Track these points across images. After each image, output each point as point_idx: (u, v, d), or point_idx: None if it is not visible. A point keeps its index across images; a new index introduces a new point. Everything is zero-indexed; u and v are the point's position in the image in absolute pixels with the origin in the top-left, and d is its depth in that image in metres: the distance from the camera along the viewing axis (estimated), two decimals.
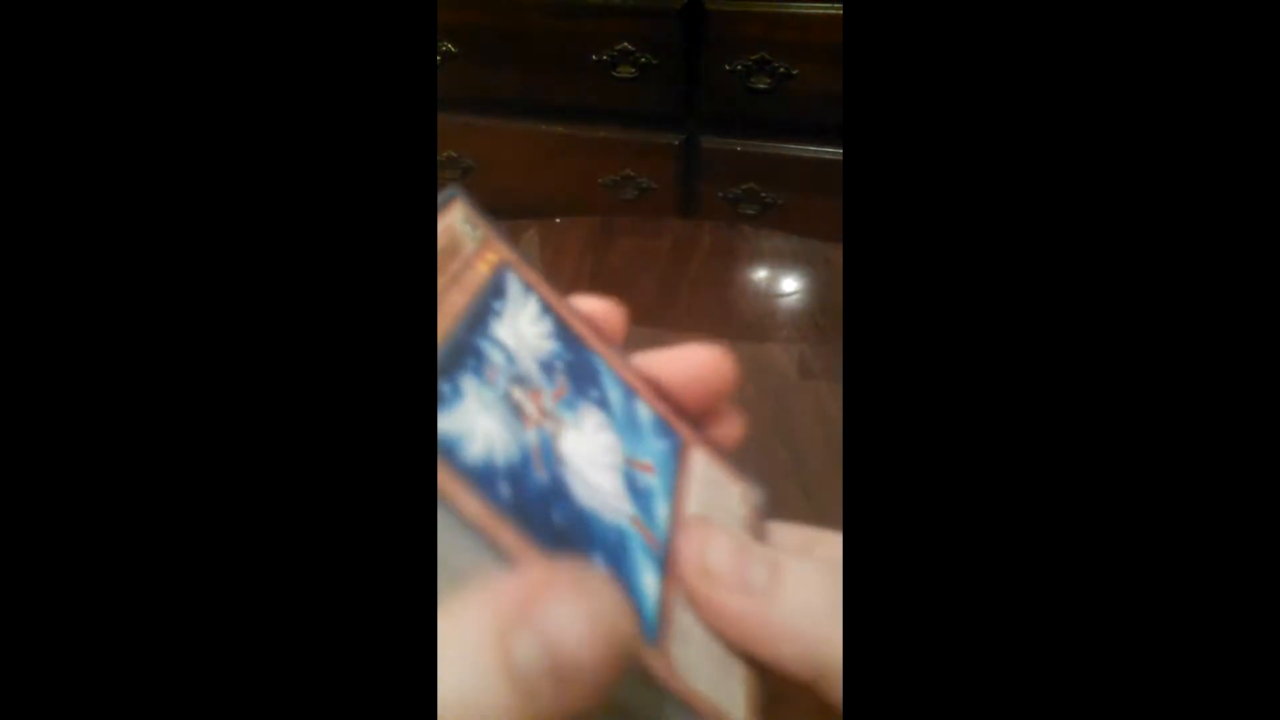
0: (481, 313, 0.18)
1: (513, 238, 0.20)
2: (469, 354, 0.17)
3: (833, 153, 0.92)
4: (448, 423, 0.16)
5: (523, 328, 0.19)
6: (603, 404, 0.19)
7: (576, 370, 0.19)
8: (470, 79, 0.99)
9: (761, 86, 0.88)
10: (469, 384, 0.16)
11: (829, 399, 0.40)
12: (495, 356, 0.17)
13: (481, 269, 0.19)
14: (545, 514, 0.15)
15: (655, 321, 0.47)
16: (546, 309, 0.20)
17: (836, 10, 0.82)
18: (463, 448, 0.15)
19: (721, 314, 0.49)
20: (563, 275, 0.53)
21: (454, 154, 1.06)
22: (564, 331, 0.20)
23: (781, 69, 0.87)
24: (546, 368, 0.18)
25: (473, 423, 0.16)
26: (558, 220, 0.59)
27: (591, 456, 0.18)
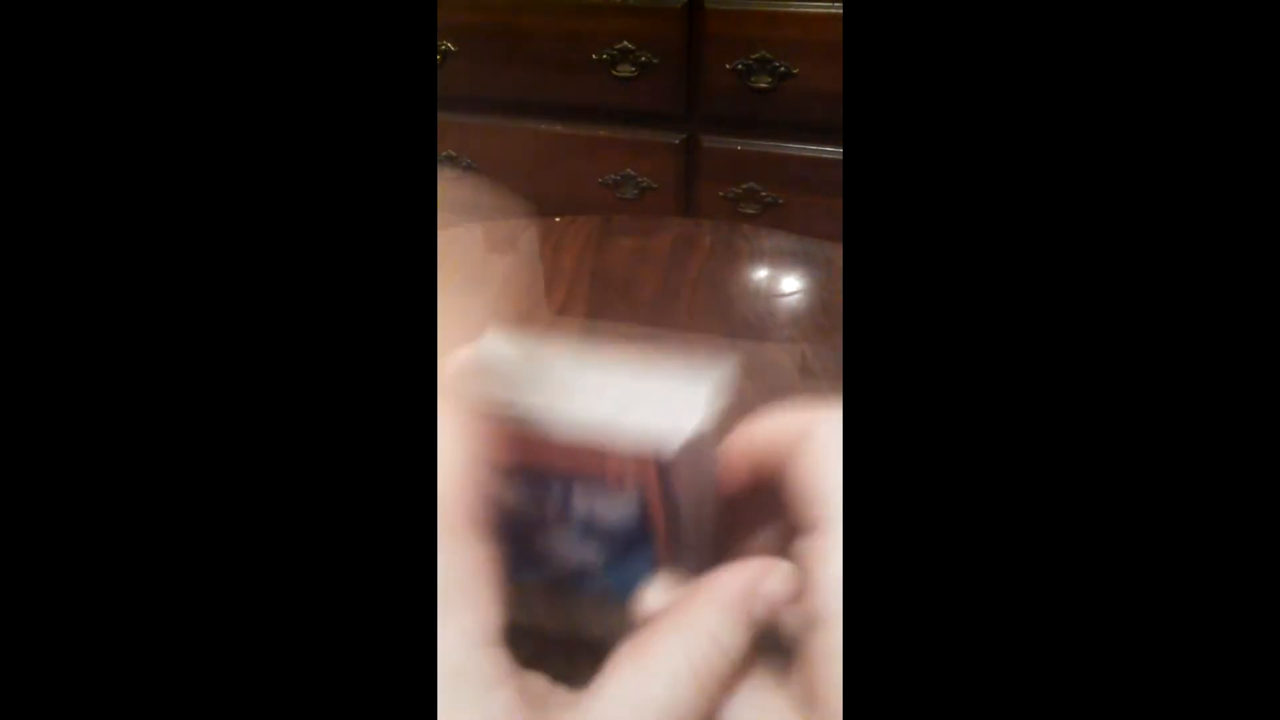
0: None
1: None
2: None
3: (832, 152, 0.92)
4: None
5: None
6: None
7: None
8: (470, 78, 0.99)
9: (762, 85, 0.88)
10: None
11: (829, 398, 0.40)
12: None
13: None
14: None
15: (655, 321, 0.47)
16: None
17: (836, 9, 0.82)
18: None
19: (721, 313, 0.49)
20: (563, 274, 0.53)
21: (453, 153, 1.06)
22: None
23: (782, 68, 0.87)
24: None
25: None
26: (557, 219, 0.59)
27: None
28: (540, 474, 0.19)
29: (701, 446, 0.18)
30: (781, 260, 0.55)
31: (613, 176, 1.01)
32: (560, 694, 0.17)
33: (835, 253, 0.55)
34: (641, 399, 0.18)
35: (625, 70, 0.91)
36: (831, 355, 0.44)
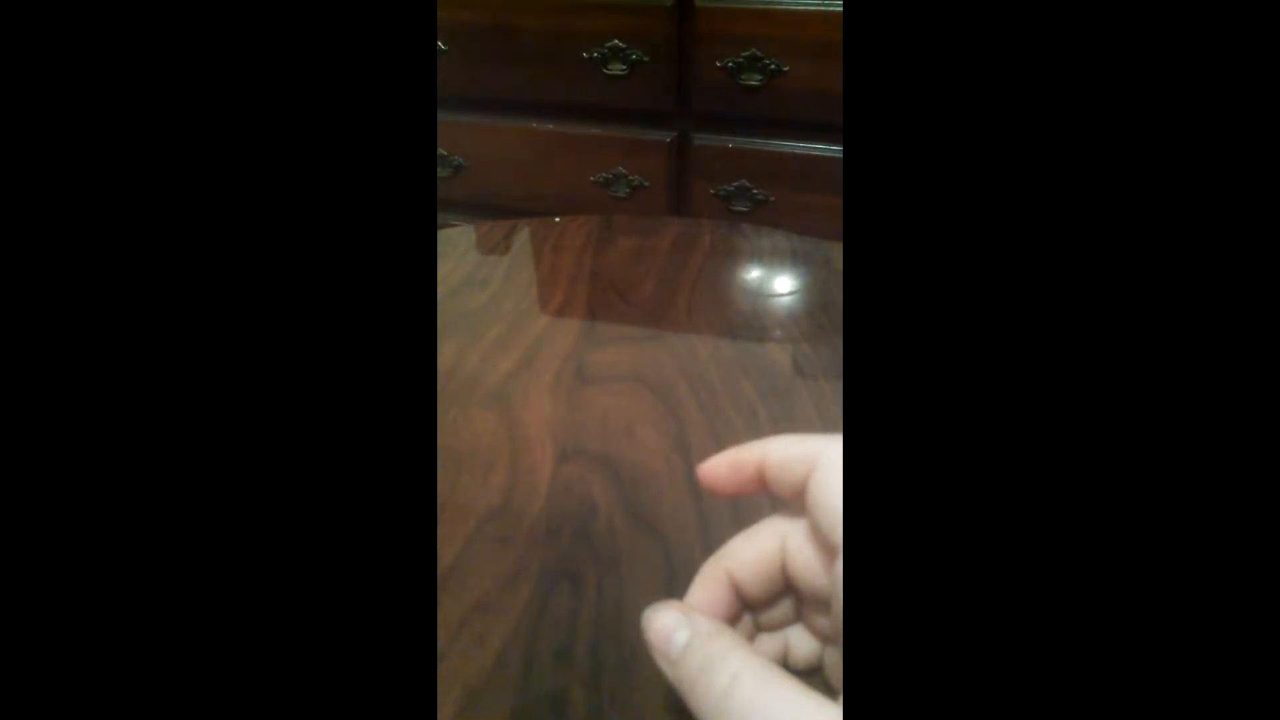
0: None
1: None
2: None
3: (824, 149, 0.92)
4: None
5: None
6: None
7: None
8: (461, 77, 0.98)
9: (752, 83, 0.88)
10: None
11: (829, 398, 0.41)
12: None
13: None
14: None
15: (655, 322, 0.47)
16: None
17: (826, 7, 0.83)
18: None
19: (720, 313, 0.49)
20: (562, 274, 0.52)
21: (445, 152, 1.06)
22: None
23: (772, 66, 0.87)
24: None
25: None
26: (556, 220, 0.59)
27: None
28: None
29: None
30: (780, 260, 0.55)
31: (604, 175, 1.01)
32: None
33: (833, 252, 0.55)
34: None
35: (616, 68, 0.91)
36: (830, 355, 0.44)
